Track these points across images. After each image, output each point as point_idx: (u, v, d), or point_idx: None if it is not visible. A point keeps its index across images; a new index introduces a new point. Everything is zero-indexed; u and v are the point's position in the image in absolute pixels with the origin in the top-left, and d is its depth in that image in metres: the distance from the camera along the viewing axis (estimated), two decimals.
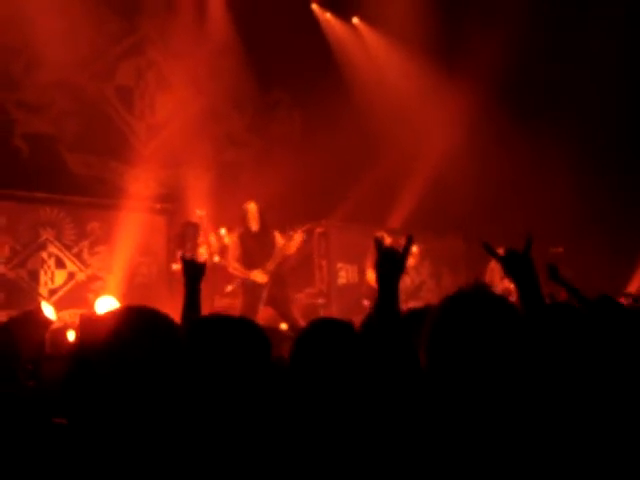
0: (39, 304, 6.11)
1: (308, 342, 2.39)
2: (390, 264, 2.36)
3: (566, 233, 9.45)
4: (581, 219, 10.46)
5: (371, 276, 9.15)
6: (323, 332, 2.41)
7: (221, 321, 1.93)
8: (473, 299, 1.95)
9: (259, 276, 7.76)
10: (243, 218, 7.84)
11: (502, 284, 9.26)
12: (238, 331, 1.91)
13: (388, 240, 9.15)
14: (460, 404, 1.80)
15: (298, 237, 7.93)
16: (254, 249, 7.84)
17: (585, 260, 9.72)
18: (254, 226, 7.80)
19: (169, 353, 1.58)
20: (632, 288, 10.07)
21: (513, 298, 7.78)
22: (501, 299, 2.01)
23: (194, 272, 3.02)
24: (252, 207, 7.85)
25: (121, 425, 1.48)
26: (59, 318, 6.72)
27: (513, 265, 2.45)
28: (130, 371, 1.50)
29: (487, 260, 9.57)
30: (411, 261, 9.34)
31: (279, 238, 7.94)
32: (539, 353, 2.01)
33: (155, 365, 1.53)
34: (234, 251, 7.90)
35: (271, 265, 7.79)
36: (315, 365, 2.30)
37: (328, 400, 2.19)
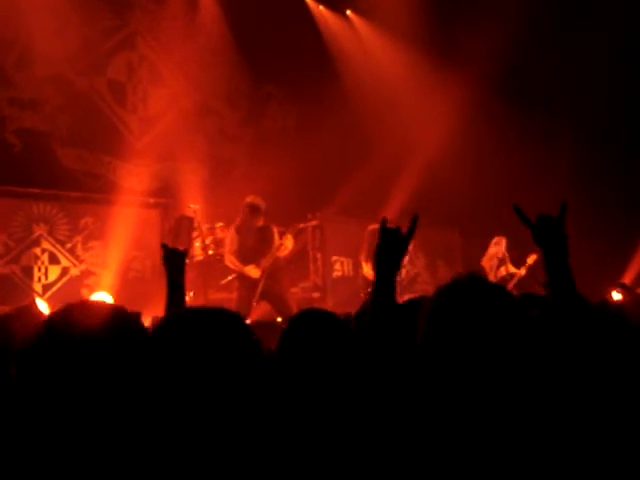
0: (33, 300, 6.08)
1: (293, 334, 2.38)
2: (393, 244, 2.29)
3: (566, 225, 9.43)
4: (578, 210, 10.45)
5: (367, 269, 9.15)
6: (307, 323, 2.40)
7: (199, 314, 1.86)
8: (468, 287, 1.92)
9: (253, 271, 7.74)
10: (247, 212, 7.79)
11: (499, 272, 9.25)
12: (217, 325, 1.85)
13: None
14: (456, 391, 1.78)
15: (289, 243, 7.95)
16: (252, 244, 7.82)
17: (582, 250, 9.71)
18: (259, 221, 7.79)
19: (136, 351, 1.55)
20: (626, 279, 10.09)
21: (510, 286, 7.73)
22: (497, 287, 1.99)
23: (176, 261, 2.90)
24: (255, 201, 7.81)
25: (105, 423, 1.45)
26: None
27: (544, 232, 2.28)
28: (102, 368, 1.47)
29: (483, 252, 9.57)
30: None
31: (277, 236, 7.94)
32: (546, 341, 1.98)
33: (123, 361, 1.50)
34: (231, 245, 7.88)
35: (266, 262, 7.78)
36: (301, 356, 2.29)
37: (316, 390, 2.19)
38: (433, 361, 1.85)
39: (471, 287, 1.91)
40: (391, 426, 1.88)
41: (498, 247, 9.34)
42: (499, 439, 1.70)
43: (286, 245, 7.92)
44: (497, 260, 9.31)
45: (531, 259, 9.14)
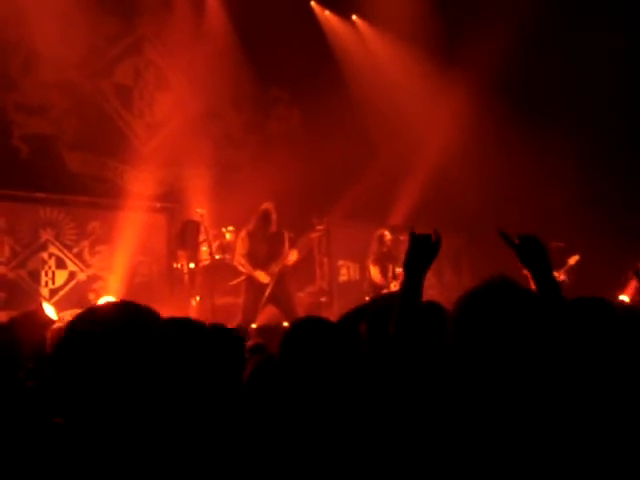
0: (40, 304, 6.09)
1: (292, 342, 2.40)
2: (423, 249, 2.38)
3: (570, 230, 9.43)
4: (585, 216, 10.44)
5: (374, 272, 9.17)
6: (305, 331, 2.41)
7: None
8: (496, 292, 1.90)
9: (262, 276, 7.83)
10: (263, 219, 7.93)
11: None
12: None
13: (389, 237, 9.18)
14: (484, 395, 1.75)
15: (294, 256, 8.05)
16: (262, 249, 7.93)
17: (589, 258, 9.69)
18: (273, 228, 7.93)
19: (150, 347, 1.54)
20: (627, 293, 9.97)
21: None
22: (526, 291, 1.97)
23: None
24: (271, 208, 7.96)
25: (112, 421, 1.45)
26: (60, 318, 6.70)
27: (527, 251, 2.42)
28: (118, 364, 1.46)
29: (489, 256, 9.51)
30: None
31: (288, 243, 8.07)
32: (556, 343, 1.96)
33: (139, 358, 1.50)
34: (242, 248, 7.97)
35: (275, 268, 7.88)
36: (301, 364, 2.31)
37: (314, 394, 2.21)
38: (461, 365, 1.83)
39: (499, 291, 1.89)
40: (407, 428, 1.88)
41: None
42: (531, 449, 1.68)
43: (290, 258, 8.03)
44: None
45: (573, 259, 9.01)
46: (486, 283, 1.94)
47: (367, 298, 8.88)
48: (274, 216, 7.99)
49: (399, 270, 9.39)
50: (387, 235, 9.30)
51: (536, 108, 11.30)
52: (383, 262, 9.23)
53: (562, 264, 9.10)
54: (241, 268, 8.01)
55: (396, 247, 9.47)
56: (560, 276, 9.05)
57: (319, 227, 8.53)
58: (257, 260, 7.89)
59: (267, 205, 8.02)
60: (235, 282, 8.21)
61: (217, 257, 8.59)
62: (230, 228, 8.84)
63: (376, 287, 9.08)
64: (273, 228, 7.98)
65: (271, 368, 2.52)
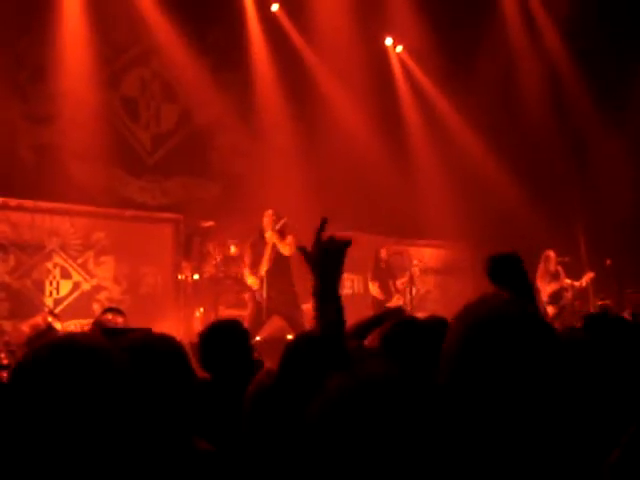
0: (45, 314, 6.08)
1: (292, 357, 2.37)
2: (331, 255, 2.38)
3: (574, 244, 9.46)
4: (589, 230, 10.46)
5: (373, 288, 9.22)
6: (305, 347, 2.39)
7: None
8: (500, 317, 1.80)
9: (250, 280, 7.83)
10: (259, 229, 7.93)
11: (550, 287, 9.09)
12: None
13: (384, 254, 9.27)
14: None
15: (290, 239, 7.87)
16: (261, 256, 7.94)
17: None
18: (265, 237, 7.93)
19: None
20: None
21: (569, 294, 7.64)
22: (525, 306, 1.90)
23: None
24: (266, 217, 7.94)
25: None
26: (64, 328, 6.69)
27: (501, 269, 2.45)
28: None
29: None
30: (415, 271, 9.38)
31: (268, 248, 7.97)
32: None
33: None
34: (247, 258, 8.01)
35: (262, 269, 7.79)
36: (299, 379, 2.27)
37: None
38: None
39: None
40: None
41: (548, 262, 9.11)
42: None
43: (288, 241, 7.86)
44: (549, 276, 9.10)
45: (587, 277, 9.10)
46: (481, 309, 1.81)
47: (371, 312, 8.88)
48: (266, 224, 7.96)
49: (400, 282, 9.41)
50: (383, 252, 9.38)
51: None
52: (382, 278, 9.29)
53: (574, 277, 9.16)
54: (244, 279, 8.06)
55: (395, 262, 9.55)
56: (575, 284, 9.05)
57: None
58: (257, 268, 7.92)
59: (270, 212, 8.04)
60: (245, 294, 8.20)
61: (221, 269, 8.60)
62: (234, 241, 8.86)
63: (378, 302, 9.10)
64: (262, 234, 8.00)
65: (264, 385, 2.46)
